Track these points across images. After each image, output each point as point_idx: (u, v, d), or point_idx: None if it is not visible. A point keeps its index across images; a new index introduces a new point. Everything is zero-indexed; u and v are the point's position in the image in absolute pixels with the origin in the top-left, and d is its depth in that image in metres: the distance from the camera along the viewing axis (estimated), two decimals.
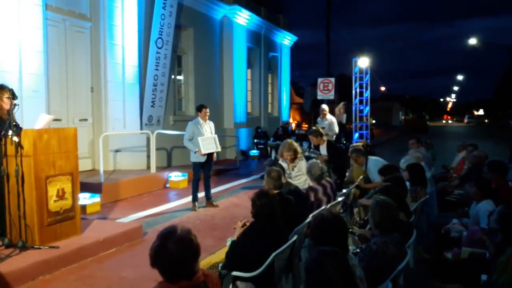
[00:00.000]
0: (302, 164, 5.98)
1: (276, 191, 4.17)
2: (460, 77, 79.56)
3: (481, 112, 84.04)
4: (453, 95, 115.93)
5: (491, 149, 14.43)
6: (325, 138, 7.12)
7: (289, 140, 6.24)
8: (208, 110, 7.22)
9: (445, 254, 4.14)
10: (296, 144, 6.22)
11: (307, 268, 2.07)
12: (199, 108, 7.20)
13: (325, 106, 10.02)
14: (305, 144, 8.25)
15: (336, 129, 9.90)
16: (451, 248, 4.20)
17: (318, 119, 10.05)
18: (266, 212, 3.33)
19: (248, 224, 3.55)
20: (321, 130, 7.09)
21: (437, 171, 9.01)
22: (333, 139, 9.75)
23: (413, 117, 54.88)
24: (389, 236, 3.04)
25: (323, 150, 7.08)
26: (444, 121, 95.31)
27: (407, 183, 5.27)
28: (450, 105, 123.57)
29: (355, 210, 5.93)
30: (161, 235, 2.05)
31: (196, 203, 7.12)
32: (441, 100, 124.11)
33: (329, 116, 9.86)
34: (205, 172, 7.21)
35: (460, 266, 3.69)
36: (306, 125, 23.65)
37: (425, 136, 13.61)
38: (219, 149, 7.32)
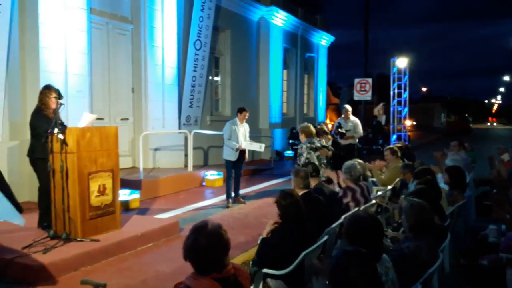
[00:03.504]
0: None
1: (305, 190, 4.20)
2: (506, 78, 75.98)
3: None
4: (499, 97, 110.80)
5: None
6: (329, 136, 7.35)
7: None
8: (247, 114, 7.54)
9: (481, 260, 4.03)
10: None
11: (331, 269, 2.05)
12: (240, 110, 7.51)
13: (348, 107, 9.48)
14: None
15: (361, 130, 9.37)
16: (488, 254, 4.09)
17: (340, 119, 9.49)
18: (293, 212, 3.38)
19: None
20: (325, 128, 7.16)
21: (477, 174, 8.70)
22: (356, 141, 9.38)
23: (455, 119, 53.12)
24: (422, 239, 2.99)
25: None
26: (488, 124, 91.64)
27: (446, 186, 5.16)
28: (495, 107, 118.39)
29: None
30: (193, 230, 2.13)
31: (230, 200, 7.37)
32: (486, 101, 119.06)
33: (353, 117, 9.37)
34: (236, 170, 7.48)
35: (495, 272, 3.59)
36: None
37: (467, 139, 13.08)
38: (262, 149, 7.85)
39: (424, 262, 2.79)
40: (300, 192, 4.20)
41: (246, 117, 7.50)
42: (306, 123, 6.96)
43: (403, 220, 3.18)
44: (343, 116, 9.45)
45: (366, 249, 2.15)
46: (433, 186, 4.36)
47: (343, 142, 9.01)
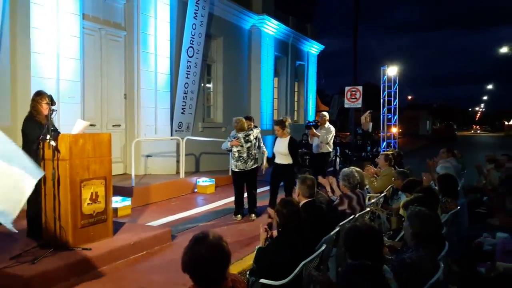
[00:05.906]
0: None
1: (309, 199, 4.14)
2: (489, 86, 77.70)
3: None
4: (482, 105, 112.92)
5: None
6: (285, 131, 6.97)
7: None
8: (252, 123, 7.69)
9: (478, 268, 4.04)
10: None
11: (341, 285, 2.01)
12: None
13: (325, 113, 9.71)
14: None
15: (329, 139, 9.48)
16: (484, 262, 4.10)
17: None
18: (294, 220, 3.30)
19: (270, 231, 3.51)
20: (287, 122, 6.98)
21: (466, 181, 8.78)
22: (330, 150, 9.60)
23: (440, 126, 53.94)
24: (424, 249, 2.95)
25: (284, 142, 7.01)
26: (472, 131, 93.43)
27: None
28: (478, 115, 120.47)
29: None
30: (193, 241, 2.08)
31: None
32: (470, 109, 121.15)
33: (328, 125, 9.52)
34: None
35: (495, 281, 3.60)
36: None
37: (452, 145, 13.31)
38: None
39: (426, 272, 2.77)
40: (304, 201, 4.12)
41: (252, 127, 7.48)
42: (239, 117, 7.12)
43: (406, 228, 3.12)
44: (319, 121, 9.65)
45: (368, 261, 2.13)
46: (431, 194, 4.35)
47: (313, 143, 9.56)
